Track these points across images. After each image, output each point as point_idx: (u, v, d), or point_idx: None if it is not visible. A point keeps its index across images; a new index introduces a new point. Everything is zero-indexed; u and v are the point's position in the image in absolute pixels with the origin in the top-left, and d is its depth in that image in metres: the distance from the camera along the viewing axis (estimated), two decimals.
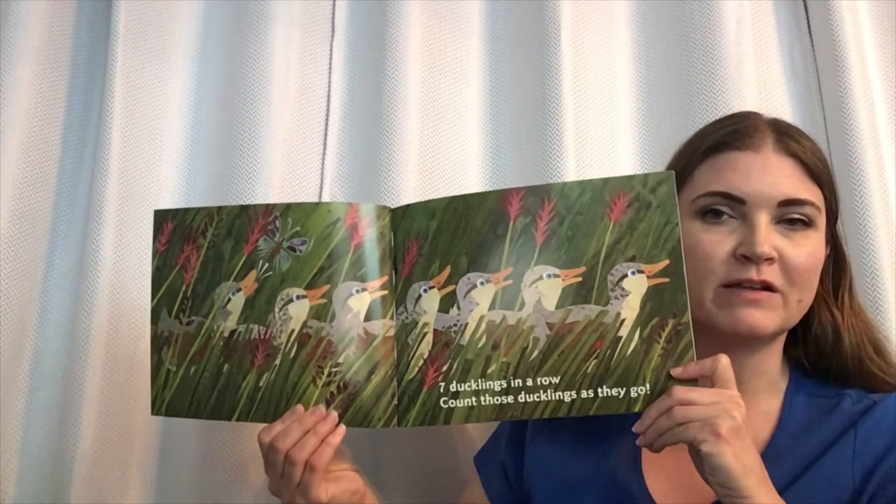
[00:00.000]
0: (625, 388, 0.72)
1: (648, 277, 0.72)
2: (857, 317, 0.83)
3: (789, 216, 0.77)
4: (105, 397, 1.10)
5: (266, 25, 1.19)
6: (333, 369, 0.80)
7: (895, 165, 1.11)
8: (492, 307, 0.77)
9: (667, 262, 0.72)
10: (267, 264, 0.83)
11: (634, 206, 0.73)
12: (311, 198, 1.18)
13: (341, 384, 0.79)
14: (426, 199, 1.16)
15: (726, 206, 0.78)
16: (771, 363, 0.81)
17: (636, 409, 0.72)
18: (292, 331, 0.81)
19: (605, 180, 0.75)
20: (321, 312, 0.81)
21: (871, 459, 0.73)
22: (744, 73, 1.11)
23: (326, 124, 1.21)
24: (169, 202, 1.19)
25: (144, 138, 1.19)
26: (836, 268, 0.84)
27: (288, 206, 0.83)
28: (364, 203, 0.83)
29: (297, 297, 0.81)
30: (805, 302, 0.78)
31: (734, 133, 0.80)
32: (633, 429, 0.71)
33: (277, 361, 0.81)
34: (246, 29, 1.20)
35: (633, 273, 0.73)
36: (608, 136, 1.17)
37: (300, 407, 0.79)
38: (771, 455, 0.76)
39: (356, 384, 0.79)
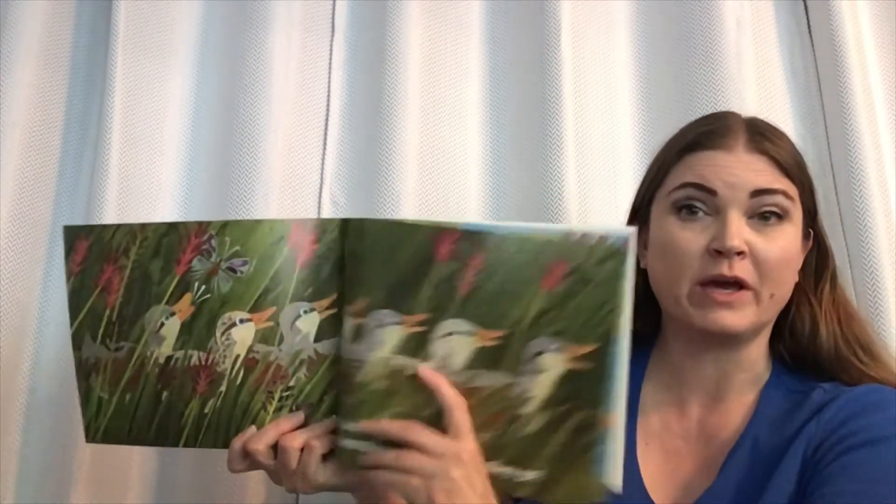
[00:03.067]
0: (515, 469, 0.67)
1: (568, 360, 0.65)
2: (836, 308, 0.84)
3: (762, 209, 0.78)
4: None
5: (266, 25, 1.19)
6: (284, 393, 0.76)
7: (895, 165, 1.11)
8: (397, 352, 0.71)
9: (594, 346, 0.64)
10: (204, 286, 0.77)
11: (572, 279, 0.65)
12: (311, 198, 1.18)
13: (293, 408, 0.76)
14: (426, 199, 1.18)
15: (700, 201, 0.79)
16: (753, 358, 0.82)
17: (519, 494, 0.67)
18: (237, 356, 0.76)
19: (549, 241, 0.67)
20: (268, 336, 0.76)
21: (824, 435, 0.73)
22: (744, 73, 1.12)
23: (326, 124, 1.21)
24: (169, 202, 1.19)
25: (144, 138, 1.19)
26: (819, 262, 0.85)
27: (225, 224, 0.77)
28: (308, 218, 0.79)
29: (241, 321, 0.76)
30: (778, 296, 0.79)
31: (708, 133, 0.82)
32: None
33: (223, 388, 0.77)
34: (246, 29, 1.20)
35: (554, 351, 0.66)
36: (608, 136, 1.17)
37: (253, 428, 0.76)
38: (743, 447, 0.77)
39: (309, 407, 0.76)
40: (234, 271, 0.76)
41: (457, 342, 0.69)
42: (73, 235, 0.83)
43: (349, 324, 0.73)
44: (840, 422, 0.74)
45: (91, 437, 0.82)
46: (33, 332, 1.15)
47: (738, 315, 0.77)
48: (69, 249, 0.83)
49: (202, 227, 0.78)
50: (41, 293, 1.17)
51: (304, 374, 0.76)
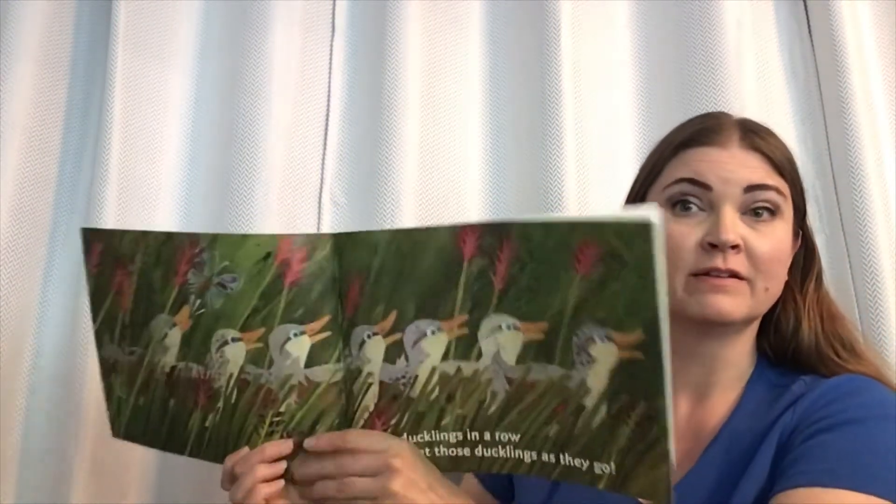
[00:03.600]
0: (589, 462, 0.63)
1: (619, 349, 0.60)
2: (820, 307, 0.85)
3: (755, 205, 0.79)
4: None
5: (266, 25, 1.19)
6: (275, 419, 0.73)
7: (895, 165, 1.11)
8: (445, 358, 0.68)
9: (641, 335, 0.59)
10: (199, 300, 0.74)
11: (606, 262, 0.59)
12: (311, 198, 1.18)
13: (284, 434, 0.73)
14: (426, 199, 1.18)
15: (694, 196, 0.80)
16: (740, 356, 0.83)
17: (599, 487, 0.63)
18: (231, 375, 0.73)
19: (572, 224, 0.62)
20: (258, 358, 0.72)
21: (798, 422, 0.74)
22: (744, 73, 1.12)
23: (326, 124, 1.21)
24: (169, 202, 1.19)
25: (144, 138, 1.19)
26: (806, 261, 0.86)
27: (215, 238, 0.74)
28: (298, 234, 0.75)
29: (233, 340, 0.73)
30: (772, 290, 0.80)
31: (703, 130, 0.83)
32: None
33: (220, 405, 0.74)
34: (246, 29, 1.20)
35: (602, 340, 0.61)
36: (608, 135, 1.17)
37: (245, 449, 0.73)
38: (721, 438, 0.78)
39: (300, 436, 0.72)
40: (225, 287, 0.73)
41: (504, 338, 0.65)
42: (88, 238, 0.83)
43: (379, 344, 0.70)
44: (815, 408, 0.74)
45: (115, 431, 0.83)
46: (33, 333, 1.16)
47: (734, 301, 0.77)
48: (86, 251, 0.82)
49: (193, 239, 0.74)
50: (41, 293, 1.17)
51: (294, 401, 0.72)
